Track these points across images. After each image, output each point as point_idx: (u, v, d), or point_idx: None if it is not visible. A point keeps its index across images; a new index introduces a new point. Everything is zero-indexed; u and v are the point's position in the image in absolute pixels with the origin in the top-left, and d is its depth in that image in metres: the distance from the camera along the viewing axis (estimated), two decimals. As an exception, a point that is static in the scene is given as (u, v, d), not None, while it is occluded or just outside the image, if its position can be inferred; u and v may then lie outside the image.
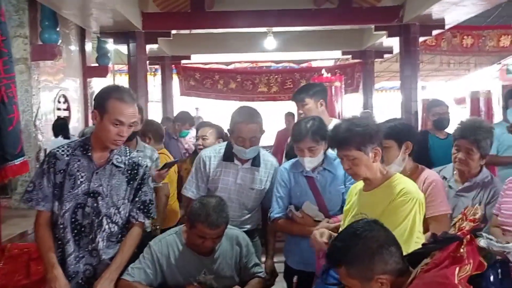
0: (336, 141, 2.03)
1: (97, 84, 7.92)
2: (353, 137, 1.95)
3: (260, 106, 5.93)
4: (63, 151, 2.24)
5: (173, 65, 8.79)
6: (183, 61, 8.87)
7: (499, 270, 2.09)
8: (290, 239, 2.74)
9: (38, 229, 2.24)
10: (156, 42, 6.44)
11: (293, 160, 2.74)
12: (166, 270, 2.26)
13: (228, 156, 2.74)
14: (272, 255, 2.83)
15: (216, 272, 2.29)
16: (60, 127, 5.83)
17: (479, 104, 4.63)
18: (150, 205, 2.31)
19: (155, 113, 8.24)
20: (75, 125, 7.38)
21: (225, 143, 2.87)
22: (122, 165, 2.25)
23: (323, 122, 2.64)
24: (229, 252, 2.34)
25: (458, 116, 5.56)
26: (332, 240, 1.72)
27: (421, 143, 3.73)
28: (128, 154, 2.31)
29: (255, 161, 2.75)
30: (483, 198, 2.54)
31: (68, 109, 7.83)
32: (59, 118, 6.25)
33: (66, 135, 5.70)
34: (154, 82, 10.22)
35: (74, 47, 7.83)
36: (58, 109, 7.53)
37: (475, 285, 1.44)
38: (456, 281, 1.38)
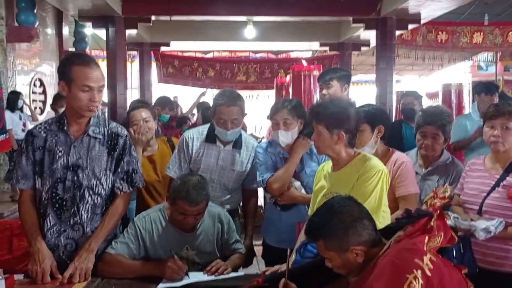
0: (313, 112, 2.17)
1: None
2: (324, 114, 2.08)
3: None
4: (39, 128, 2.27)
5: (152, 52, 8.75)
6: (162, 48, 8.84)
7: (461, 245, 2.25)
8: (268, 218, 2.83)
9: (21, 205, 2.27)
10: (135, 28, 6.41)
11: (268, 140, 2.84)
12: (149, 246, 2.32)
13: (211, 137, 2.81)
14: (251, 236, 2.92)
15: (198, 248, 2.36)
16: (9, 100, 5.84)
17: (451, 96, 4.83)
18: (133, 174, 2.34)
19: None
20: (50, 110, 7.32)
21: (208, 124, 2.93)
22: (101, 136, 2.27)
23: (302, 104, 2.75)
24: (211, 229, 2.41)
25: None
26: (310, 216, 1.82)
27: (395, 132, 3.88)
28: (107, 125, 2.33)
29: (237, 143, 2.82)
30: (447, 179, 2.68)
31: (43, 93, 7.73)
32: (11, 92, 6.18)
33: (12, 109, 5.74)
34: (131, 69, 10.13)
35: (51, 31, 7.72)
36: (34, 92, 7.43)
37: None
38: (425, 248, 1.48)
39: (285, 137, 2.66)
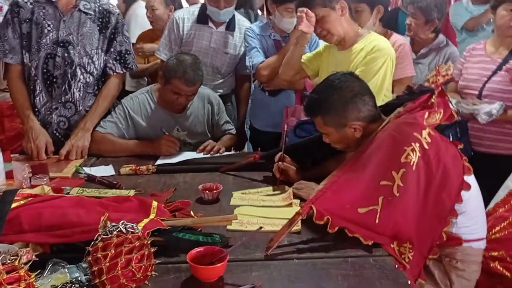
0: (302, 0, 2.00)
1: None
2: None
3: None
4: None
5: None
6: None
7: (458, 129, 2.27)
8: (258, 102, 2.80)
9: (10, 82, 2.22)
10: None
11: (258, 23, 2.73)
12: (138, 127, 2.30)
13: (202, 18, 2.67)
14: (243, 120, 2.93)
15: (189, 128, 2.36)
16: None
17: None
18: (126, 55, 2.27)
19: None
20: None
21: (199, 4, 2.77)
22: (92, 12, 2.17)
23: None
24: (201, 110, 2.39)
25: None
26: (310, 92, 1.79)
27: (390, 20, 3.70)
28: (97, 1, 2.21)
29: (230, 25, 2.70)
30: (439, 61, 2.62)
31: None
32: None
33: None
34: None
35: None
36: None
37: None
38: (424, 123, 1.49)
39: (293, 25, 2.48)
